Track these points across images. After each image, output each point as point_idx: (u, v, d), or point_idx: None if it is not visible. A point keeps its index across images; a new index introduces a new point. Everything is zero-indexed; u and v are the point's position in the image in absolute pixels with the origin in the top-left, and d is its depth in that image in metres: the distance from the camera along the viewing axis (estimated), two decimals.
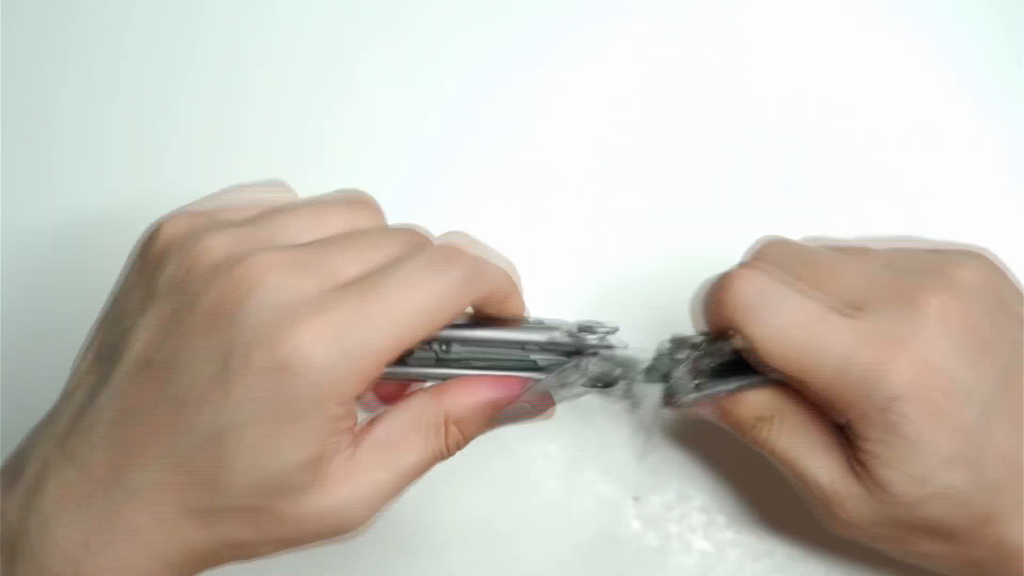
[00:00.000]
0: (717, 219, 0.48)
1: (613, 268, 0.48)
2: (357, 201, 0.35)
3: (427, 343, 0.35)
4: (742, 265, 0.37)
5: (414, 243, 0.34)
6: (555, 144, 0.50)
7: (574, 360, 0.36)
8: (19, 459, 0.33)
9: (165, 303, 0.32)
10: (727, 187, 0.49)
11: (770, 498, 0.46)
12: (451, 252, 0.33)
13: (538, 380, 0.35)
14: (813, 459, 0.36)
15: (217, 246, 0.32)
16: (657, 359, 0.37)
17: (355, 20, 0.52)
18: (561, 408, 0.47)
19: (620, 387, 0.36)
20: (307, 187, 0.50)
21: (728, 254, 0.48)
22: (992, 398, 0.33)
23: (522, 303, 0.36)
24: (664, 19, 0.51)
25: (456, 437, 0.34)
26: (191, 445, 0.30)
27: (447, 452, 0.34)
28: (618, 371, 0.36)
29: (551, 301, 0.48)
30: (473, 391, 0.35)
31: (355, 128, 0.51)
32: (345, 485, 0.32)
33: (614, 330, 0.36)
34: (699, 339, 0.37)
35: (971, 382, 0.33)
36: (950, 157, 0.49)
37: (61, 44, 0.52)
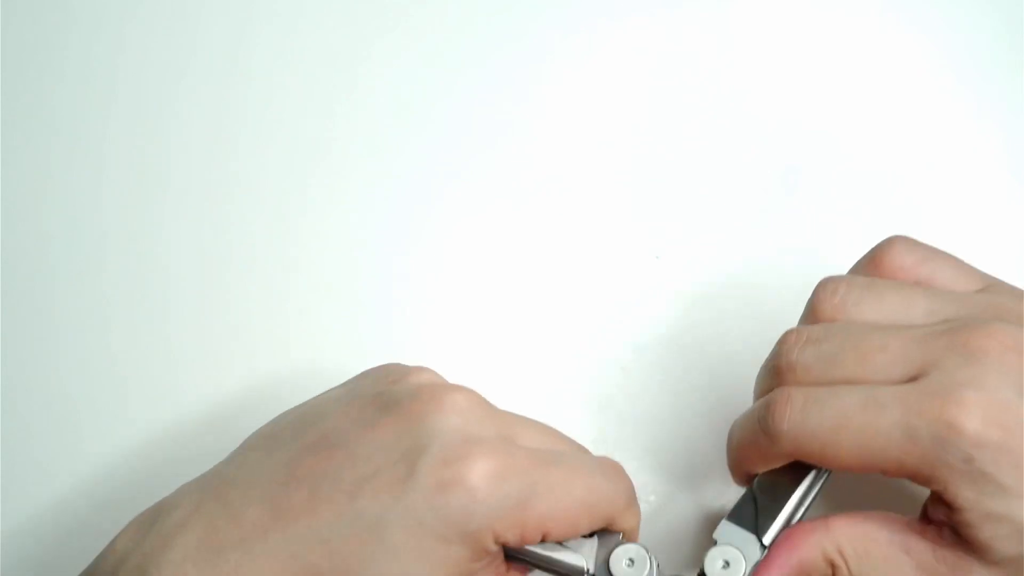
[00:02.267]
0: (717, 220, 0.48)
1: (612, 268, 0.48)
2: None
3: None
4: (777, 390, 0.34)
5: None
6: (554, 145, 0.50)
7: None
8: (172, 499, 0.33)
9: (363, 398, 0.34)
10: (726, 188, 0.49)
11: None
12: (616, 466, 0.35)
13: None
14: (903, 570, 0.33)
15: (424, 379, 0.35)
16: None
17: (355, 22, 0.52)
18: (555, 406, 0.47)
19: None
20: (307, 187, 0.50)
21: (728, 255, 0.48)
22: None
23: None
24: (664, 20, 0.51)
25: None
26: (349, 532, 0.31)
27: None
28: None
29: (547, 301, 0.48)
30: None
31: (355, 129, 0.51)
32: None
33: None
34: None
35: None
36: (950, 157, 0.49)
37: (60, 49, 0.52)
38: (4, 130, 0.51)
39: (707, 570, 0.34)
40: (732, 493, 0.45)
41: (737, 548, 0.34)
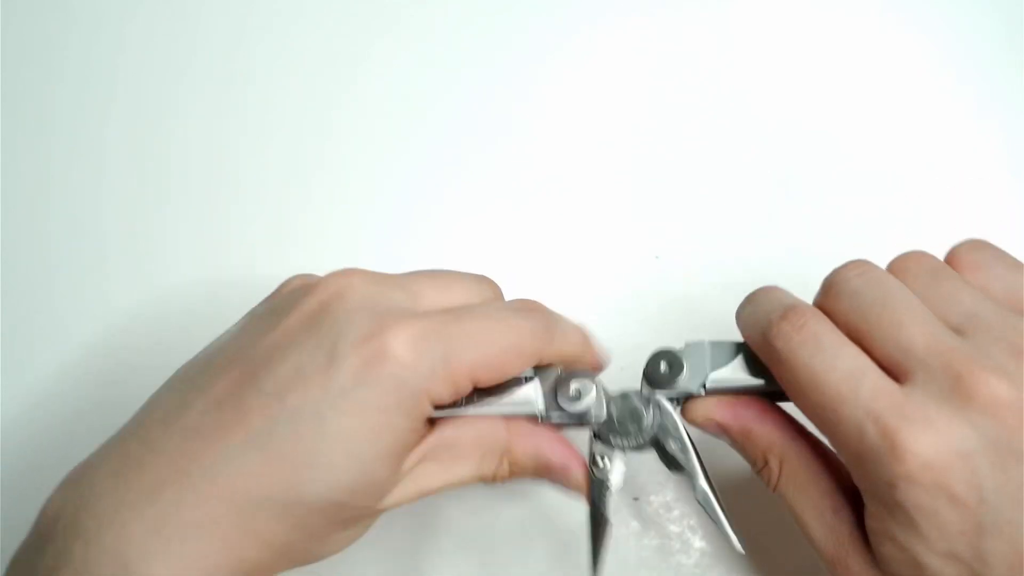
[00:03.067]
0: (717, 220, 0.48)
1: (612, 269, 0.48)
2: (482, 279, 0.37)
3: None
4: (807, 305, 0.34)
5: (497, 295, 0.36)
6: (554, 145, 0.50)
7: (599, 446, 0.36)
8: (96, 453, 0.32)
9: (257, 316, 0.34)
10: (726, 188, 0.49)
11: (770, 498, 0.46)
12: (532, 303, 0.35)
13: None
14: (818, 520, 0.34)
15: (307, 278, 0.35)
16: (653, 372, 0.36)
17: (354, 22, 0.52)
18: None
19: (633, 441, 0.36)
20: (306, 188, 0.50)
21: (728, 254, 0.48)
22: (1011, 510, 0.30)
23: (598, 360, 0.37)
24: (664, 20, 0.51)
25: (504, 472, 0.35)
26: (287, 431, 0.30)
27: (492, 479, 0.35)
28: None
29: (547, 300, 0.48)
30: (541, 445, 0.35)
31: (355, 130, 0.51)
32: (402, 482, 0.33)
33: (593, 396, 0.36)
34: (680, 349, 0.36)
35: (993, 488, 0.29)
36: (950, 157, 0.49)
37: (59, 52, 0.52)
38: (3, 142, 0.51)
39: (649, 367, 0.36)
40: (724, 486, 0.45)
41: (681, 356, 0.36)
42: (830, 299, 0.34)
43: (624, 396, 0.36)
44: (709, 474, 0.35)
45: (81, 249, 0.49)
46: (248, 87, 0.51)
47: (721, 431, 0.36)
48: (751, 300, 0.36)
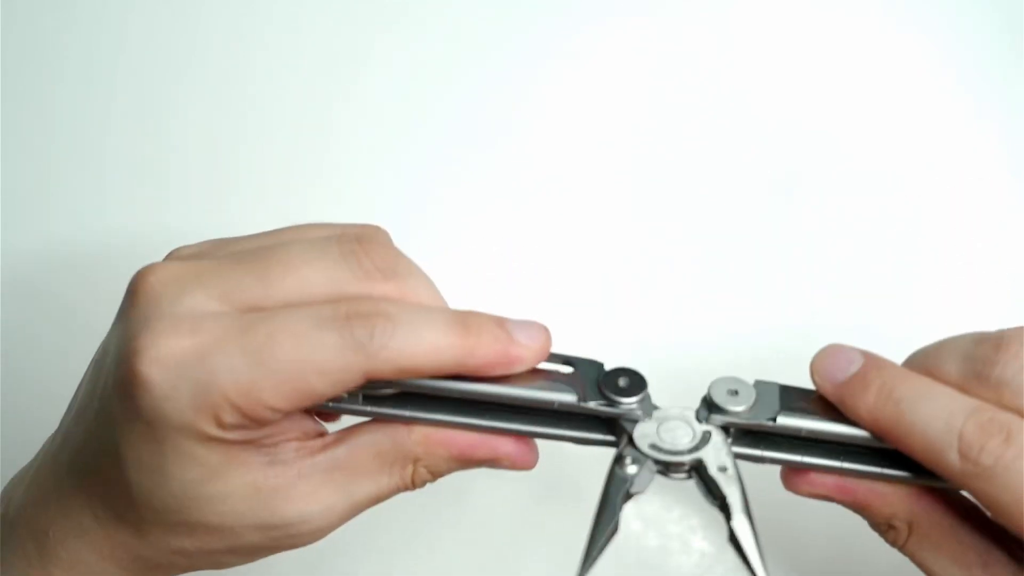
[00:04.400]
0: (717, 220, 0.48)
1: (612, 268, 0.48)
2: (353, 245, 0.32)
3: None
4: (997, 414, 0.31)
5: (339, 281, 0.31)
6: (554, 145, 0.50)
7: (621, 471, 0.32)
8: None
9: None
10: (726, 188, 0.49)
11: (771, 498, 0.46)
12: (374, 308, 0.30)
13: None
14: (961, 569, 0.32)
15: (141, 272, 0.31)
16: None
17: (354, 22, 0.52)
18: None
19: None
20: (307, 185, 0.50)
21: (728, 255, 0.48)
22: None
23: (491, 364, 0.31)
24: (664, 20, 0.51)
25: (423, 476, 0.33)
26: (101, 462, 0.31)
27: (411, 487, 0.33)
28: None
29: (547, 300, 0.48)
30: (455, 443, 0.33)
31: (356, 130, 0.51)
32: (292, 502, 0.31)
33: (640, 384, 0.33)
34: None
35: None
36: (950, 157, 0.49)
37: (60, 50, 0.52)
38: (3, 142, 0.51)
39: (713, 391, 0.32)
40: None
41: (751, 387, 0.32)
42: (1003, 397, 0.30)
43: (674, 409, 0.33)
44: (751, 509, 0.31)
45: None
46: (243, 90, 0.51)
47: (830, 500, 0.33)
48: (871, 381, 0.31)
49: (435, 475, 0.33)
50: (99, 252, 0.49)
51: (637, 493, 0.32)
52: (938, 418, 0.30)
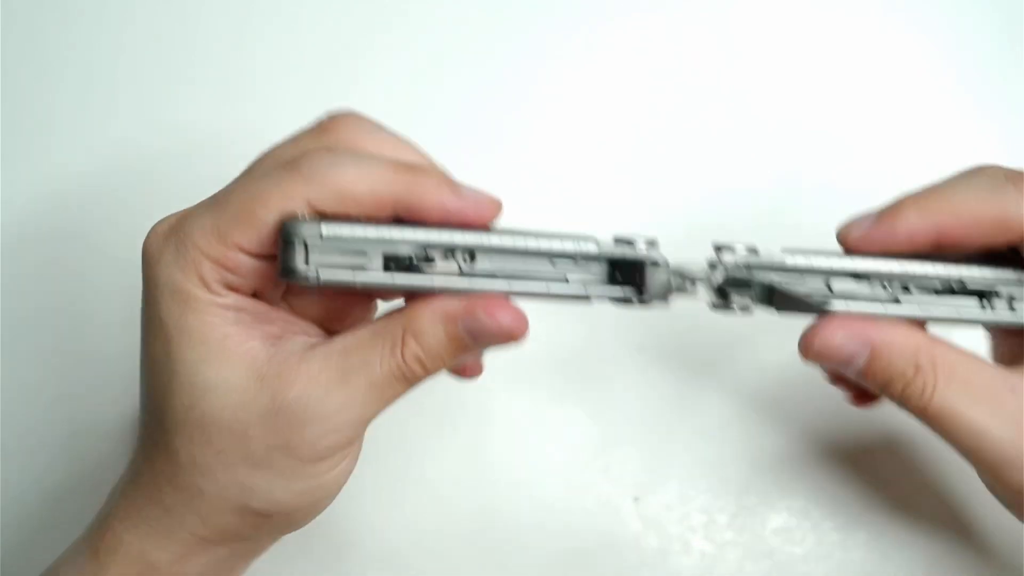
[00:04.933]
0: (717, 220, 0.48)
1: None
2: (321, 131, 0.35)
3: (450, 251, 0.33)
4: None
5: (303, 144, 0.34)
6: (555, 145, 0.50)
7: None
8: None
9: None
10: (726, 188, 0.49)
11: (771, 498, 0.46)
12: (319, 145, 0.33)
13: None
14: (996, 411, 0.32)
15: None
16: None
17: (354, 21, 0.52)
18: (556, 406, 0.47)
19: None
20: None
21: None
22: None
23: (438, 197, 0.32)
24: (664, 20, 0.51)
25: (414, 349, 0.32)
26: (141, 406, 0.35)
27: (406, 366, 0.33)
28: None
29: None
30: (433, 304, 0.33)
31: None
32: (292, 385, 0.32)
33: (654, 242, 0.34)
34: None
35: None
36: (950, 158, 0.49)
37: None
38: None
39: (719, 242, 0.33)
40: (756, 495, 0.45)
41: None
42: None
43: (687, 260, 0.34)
44: None
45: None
46: (243, 89, 0.51)
47: (850, 359, 0.33)
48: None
49: (426, 349, 0.33)
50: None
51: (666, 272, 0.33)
52: (983, 191, 0.33)
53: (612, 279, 0.34)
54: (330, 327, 0.36)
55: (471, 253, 0.33)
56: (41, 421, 0.47)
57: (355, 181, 0.32)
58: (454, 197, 0.32)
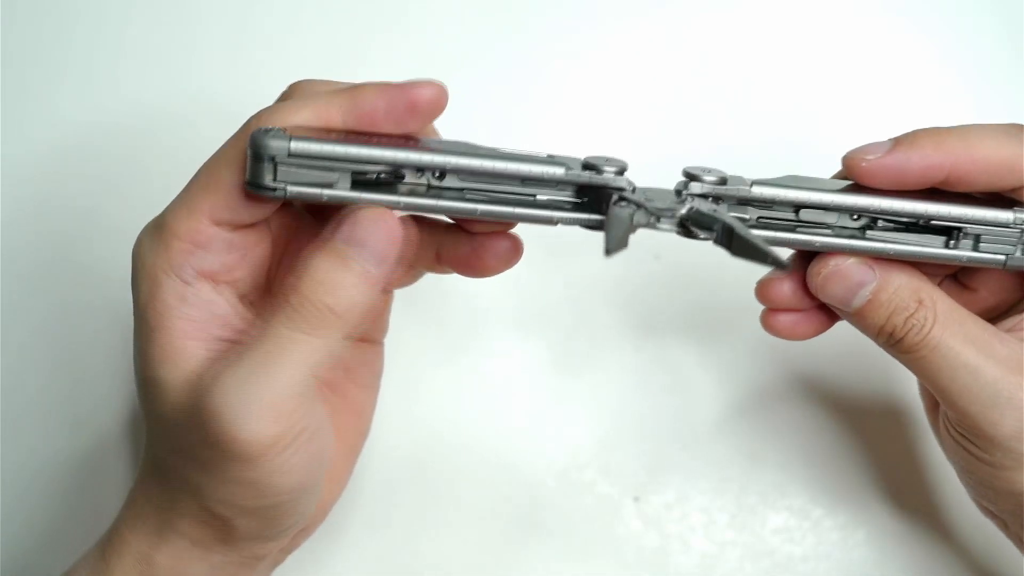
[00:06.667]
0: None
1: (612, 268, 0.48)
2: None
3: (419, 170, 0.33)
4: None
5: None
6: (555, 145, 0.50)
7: (615, 210, 0.32)
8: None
9: None
10: None
11: (770, 498, 0.46)
12: (252, 116, 0.34)
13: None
14: (988, 353, 0.33)
15: None
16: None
17: (354, 20, 0.52)
18: (556, 406, 0.47)
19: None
20: None
21: (727, 257, 0.48)
22: None
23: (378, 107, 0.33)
24: (664, 20, 0.51)
25: (304, 291, 0.32)
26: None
27: (304, 308, 0.32)
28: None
29: (547, 300, 0.48)
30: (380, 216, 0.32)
31: None
32: (217, 391, 0.31)
33: (623, 167, 0.33)
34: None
35: None
36: None
37: None
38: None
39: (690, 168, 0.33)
40: (754, 492, 0.45)
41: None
42: None
43: (657, 188, 0.34)
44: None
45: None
46: (242, 88, 0.51)
47: (859, 285, 0.34)
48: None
49: (318, 284, 0.32)
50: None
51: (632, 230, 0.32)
52: (1001, 136, 0.33)
53: (581, 205, 0.34)
54: None
55: (441, 173, 0.33)
56: (41, 411, 0.47)
57: (295, 114, 0.33)
58: (401, 90, 0.33)
